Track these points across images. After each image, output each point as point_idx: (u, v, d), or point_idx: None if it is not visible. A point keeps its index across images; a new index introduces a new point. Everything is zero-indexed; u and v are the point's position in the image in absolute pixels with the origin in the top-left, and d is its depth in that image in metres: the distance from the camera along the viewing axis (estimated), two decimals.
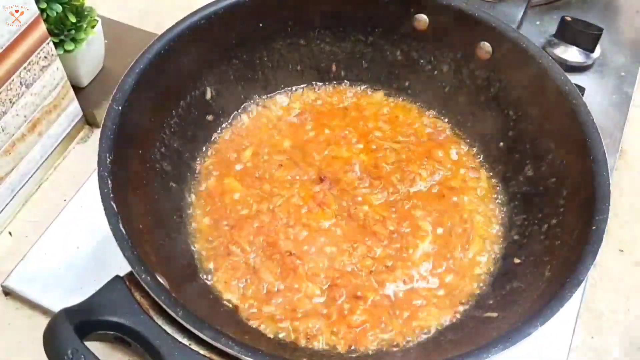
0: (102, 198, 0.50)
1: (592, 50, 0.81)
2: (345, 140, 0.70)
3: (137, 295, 0.47)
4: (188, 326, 0.45)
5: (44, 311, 0.62)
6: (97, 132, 0.56)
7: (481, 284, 0.60)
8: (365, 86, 0.75)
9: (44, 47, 0.65)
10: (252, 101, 0.73)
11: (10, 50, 0.61)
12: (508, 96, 0.66)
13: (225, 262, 0.60)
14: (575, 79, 0.63)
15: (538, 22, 0.86)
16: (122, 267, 0.47)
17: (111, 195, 0.50)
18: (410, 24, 0.69)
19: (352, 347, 0.56)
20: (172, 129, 0.64)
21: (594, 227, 0.51)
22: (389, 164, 0.68)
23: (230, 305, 0.58)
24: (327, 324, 0.57)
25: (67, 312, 0.46)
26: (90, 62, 0.77)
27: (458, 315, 0.58)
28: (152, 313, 0.47)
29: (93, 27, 0.72)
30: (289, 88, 0.74)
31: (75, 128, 0.75)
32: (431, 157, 0.69)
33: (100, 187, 0.50)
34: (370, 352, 0.56)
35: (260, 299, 0.58)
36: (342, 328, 0.57)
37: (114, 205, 0.50)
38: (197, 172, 0.67)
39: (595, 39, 0.80)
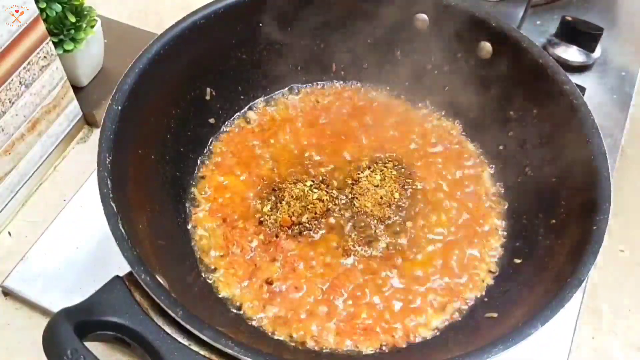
0: (102, 198, 0.50)
1: (592, 50, 0.81)
2: (347, 140, 0.70)
3: (137, 296, 0.47)
4: (188, 326, 0.45)
5: (44, 311, 0.61)
6: (97, 132, 0.56)
7: (482, 284, 0.60)
8: (365, 86, 0.75)
9: (43, 46, 0.65)
10: (252, 101, 0.73)
11: (10, 50, 0.61)
12: (508, 96, 0.66)
13: (226, 262, 0.60)
14: (575, 79, 0.63)
15: (538, 22, 0.86)
16: (122, 267, 0.47)
17: (111, 195, 0.50)
18: (411, 23, 0.69)
19: (353, 348, 0.56)
20: (172, 129, 0.64)
21: (594, 227, 0.51)
22: (392, 164, 0.67)
23: (231, 306, 0.58)
24: (327, 324, 0.57)
25: (67, 312, 0.46)
26: (90, 61, 0.76)
27: (458, 316, 0.58)
28: (152, 313, 0.47)
29: (92, 26, 0.72)
30: (290, 88, 0.74)
31: (75, 128, 0.75)
32: (432, 157, 0.69)
33: (100, 187, 0.50)
34: (370, 352, 0.56)
35: (261, 299, 0.58)
36: (343, 328, 0.57)
37: (114, 205, 0.50)
38: (197, 171, 0.67)
39: (595, 39, 0.80)
